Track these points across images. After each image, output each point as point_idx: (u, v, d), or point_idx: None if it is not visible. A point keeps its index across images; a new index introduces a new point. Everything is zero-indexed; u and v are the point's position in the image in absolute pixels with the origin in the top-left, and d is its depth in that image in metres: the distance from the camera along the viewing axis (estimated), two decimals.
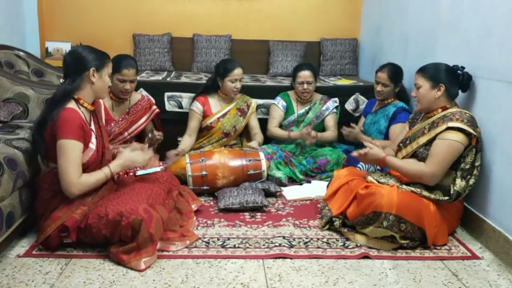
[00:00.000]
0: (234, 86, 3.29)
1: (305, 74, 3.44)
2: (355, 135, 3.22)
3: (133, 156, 2.36)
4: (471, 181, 2.35)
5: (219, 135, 3.37)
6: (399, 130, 2.91)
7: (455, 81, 2.47)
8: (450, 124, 2.30)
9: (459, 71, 2.49)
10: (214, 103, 3.39)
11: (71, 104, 2.16)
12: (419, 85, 2.49)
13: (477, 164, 2.35)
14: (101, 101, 2.48)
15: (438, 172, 2.32)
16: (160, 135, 2.92)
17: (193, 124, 3.33)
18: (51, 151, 2.17)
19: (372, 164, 2.63)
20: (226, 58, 4.40)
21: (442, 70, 2.47)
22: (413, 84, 3.29)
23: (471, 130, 2.27)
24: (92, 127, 2.28)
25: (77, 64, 2.18)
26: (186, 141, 3.29)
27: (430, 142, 2.38)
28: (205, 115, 3.35)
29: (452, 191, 2.31)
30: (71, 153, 2.09)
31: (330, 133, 3.50)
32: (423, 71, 2.50)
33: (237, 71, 3.28)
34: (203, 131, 3.40)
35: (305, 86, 3.45)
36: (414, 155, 2.45)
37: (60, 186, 2.16)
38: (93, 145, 2.23)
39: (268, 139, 3.57)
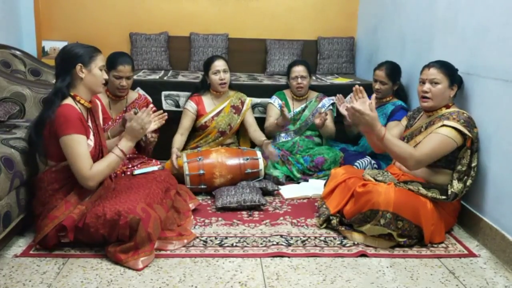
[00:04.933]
0: (219, 78, 3.28)
1: (298, 69, 3.45)
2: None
3: (133, 124, 2.26)
4: (468, 182, 2.36)
5: (215, 134, 3.37)
6: (391, 127, 2.90)
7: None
8: (446, 122, 2.31)
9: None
10: (208, 102, 3.39)
11: (68, 101, 2.17)
12: (437, 81, 2.38)
13: (473, 165, 2.35)
14: (98, 102, 2.47)
15: (423, 160, 2.31)
16: (153, 137, 2.88)
17: (185, 123, 3.33)
18: (50, 149, 2.17)
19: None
20: None
21: (455, 69, 2.46)
22: (410, 82, 3.27)
23: (466, 131, 2.27)
24: (90, 124, 2.29)
25: (65, 62, 2.20)
26: (178, 140, 3.27)
27: None
28: (199, 114, 3.35)
29: (449, 192, 2.32)
30: (77, 147, 2.10)
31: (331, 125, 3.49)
32: (442, 67, 2.41)
33: (218, 63, 3.28)
34: (199, 130, 3.40)
35: (299, 80, 3.45)
36: None
37: (59, 185, 2.18)
38: (91, 141, 2.23)
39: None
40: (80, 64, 2.18)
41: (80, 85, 2.21)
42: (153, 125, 2.41)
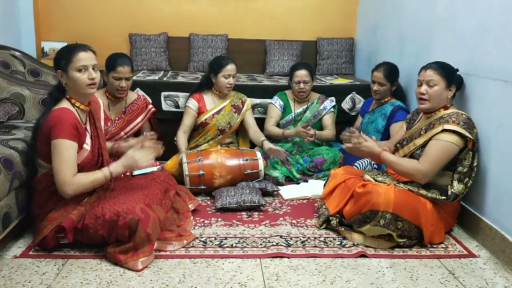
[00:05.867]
0: (228, 82, 3.30)
1: (301, 74, 3.45)
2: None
3: (136, 156, 2.28)
4: (469, 183, 2.35)
5: (214, 132, 3.38)
6: (398, 129, 2.91)
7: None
8: (446, 126, 2.29)
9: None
10: (209, 100, 3.40)
11: (65, 104, 2.17)
12: (434, 82, 2.37)
13: (474, 165, 2.35)
14: (101, 102, 2.47)
15: (430, 171, 2.31)
16: (152, 135, 2.87)
17: (187, 121, 3.34)
18: (44, 150, 2.16)
19: (365, 157, 2.55)
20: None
21: (454, 70, 2.45)
22: (409, 82, 3.27)
23: (466, 133, 2.26)
24: (88, 127, 2.27)
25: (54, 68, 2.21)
26: (182, 138, 3.28)
27: (426, 144, 2.36)
28: (200, 112, 3.36)
29: (449, 193, 2.32)
30: (65, 152, 2.08)
31: (329, 131, 3.51)
32: (439, 68, 2.39)
33: (230, 67, 3.30)
34: (198, 128, 3.40)
35: (302, 85, 3.46)
36: (411, 156, 2.45)
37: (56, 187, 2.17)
38: (87, 146, 2.22)
39: None
40: (59, 70, 2.16)
41: (69, 89, 2.19)
42: (146, 163, 2.34)
